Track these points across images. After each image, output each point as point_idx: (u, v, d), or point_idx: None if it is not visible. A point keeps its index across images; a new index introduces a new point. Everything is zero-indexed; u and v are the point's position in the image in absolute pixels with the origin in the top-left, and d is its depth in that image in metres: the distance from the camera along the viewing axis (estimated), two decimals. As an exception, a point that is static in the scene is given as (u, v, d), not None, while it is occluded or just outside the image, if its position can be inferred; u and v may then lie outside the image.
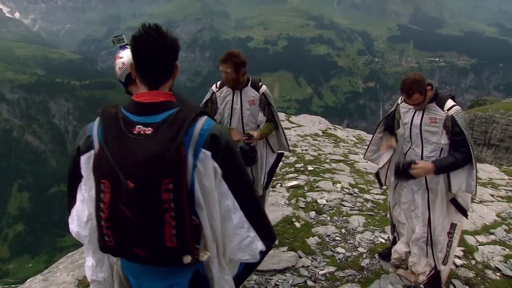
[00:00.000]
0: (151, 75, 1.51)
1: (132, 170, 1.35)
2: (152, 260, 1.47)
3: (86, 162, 1.53)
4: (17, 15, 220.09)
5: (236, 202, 1.54)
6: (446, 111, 3.01)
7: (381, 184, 3.71)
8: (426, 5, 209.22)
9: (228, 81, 3.49)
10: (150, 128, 1.41)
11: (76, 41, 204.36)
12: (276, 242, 4.24)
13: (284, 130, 3.88)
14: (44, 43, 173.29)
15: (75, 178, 1.61)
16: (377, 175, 3.68)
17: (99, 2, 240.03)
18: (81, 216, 1.61)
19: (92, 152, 1.51)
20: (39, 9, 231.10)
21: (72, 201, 1.66)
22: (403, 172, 3.07)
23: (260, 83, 3.64)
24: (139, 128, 1.41)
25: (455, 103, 3.07)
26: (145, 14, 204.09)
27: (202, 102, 3.72)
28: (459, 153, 2.98)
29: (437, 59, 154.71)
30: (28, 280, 3.84)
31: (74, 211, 1.64)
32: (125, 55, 2.83)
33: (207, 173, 1.45)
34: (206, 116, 1.52)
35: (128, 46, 2.99)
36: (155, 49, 1.46)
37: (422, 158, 3.21)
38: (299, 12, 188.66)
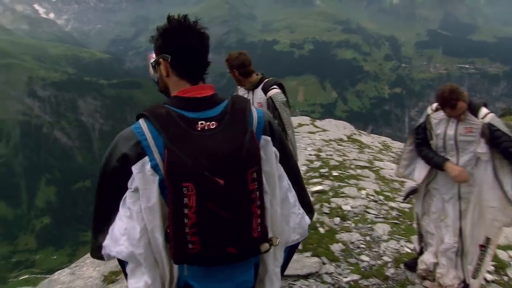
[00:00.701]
0: (196, 69, 1.49)
1: (216, 166, 1.31)
2: (238, 256, 1.40)
3: (140, 170, 1.37)
4: (51, 15, 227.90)
5: (289, 181, 1.59)
6: (481, 119, 2.92)
7: (406, 198, 3.66)
8: (458, 10, 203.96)
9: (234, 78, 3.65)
10: (213, 122, 1.37)
11: (105, 41, 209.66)
12: (300, 246, 4.23)
13: (295, 138, 3.73)
14: (75, 43, 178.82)
15: (116, 192, 1.46)
16: (413, 191, 3.57)
17: (129, 4, 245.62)
18: (132, 234, 1.43)
19: (146, 159, 1.36)
20: (72, 10, 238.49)
21: (105, 219, 1.51)
22: None
23: (272, 87, 3.55)
24: (202, 124, 1.36)
25: (488, 111, 2.98)
26: (174, 15, 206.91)
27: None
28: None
29: (467, 66, 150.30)
30: (56, 273, 3.96)
31: (118, 231, 1.47)
32: None
33: (268, 159, 1.46)
34: (254, 106, 1.53)
35: None
36: (199, 41, 1.44)
37: None
38: (326, 16, 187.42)
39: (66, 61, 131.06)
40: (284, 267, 1.72)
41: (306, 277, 3.63)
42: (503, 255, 4.36)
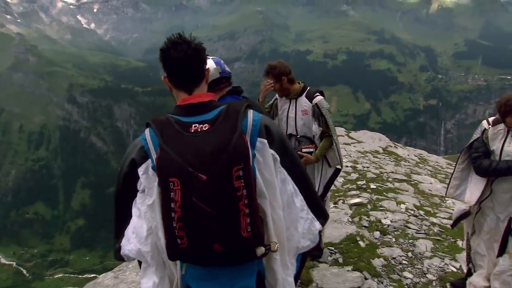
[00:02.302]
0: (185, 79, 1.57)
1: (201, 163, 1.37)
2: (228, 255, 1.44)
3: (144, 172, 1.51)
4: (92, 25, 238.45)
5: (295, 186, 1.59)
6: None
7: (455, 225, 3.49)
8: (499, 19, 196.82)
9: (277, 91, 3.63)
10: (206, 125, 1.45)
11: (142, 50, 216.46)
12: (340, 260, 4.16)
13: (339, 145, 3.77)
14: (113, 51, 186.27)
15: (128, 195, 1.58)
16: (466, 215, 3.36)
17: (165, 13, 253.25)
18: (140, 232, 1.56)
19: (149, 161, 1.50)
20: (111, 20, 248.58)
21: (122, 222, 1.62)
22: None
23: (316, 94, 3.60)
24: (195, 126, 1.45)
25: None
26: (208, 25, 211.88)
27: (267, 105, 3.86)
28: None
29: (508, 77, 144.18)
30: (101, 276, 4.08)
31: (130, 230, 1.60)
32: (208, 64, 2.92)
33: (266, 162, 1.49)
34: (251, 109, 1.55)
35: (208, 56, 3.12)
36: (182, 54, 1.51)
37: None
38: (360, 26, 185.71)
39: (104, 69, 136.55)
40: (296, 276, 1.71)
41: (348, 291, 3.56)
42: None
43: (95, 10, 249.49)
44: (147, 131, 1.54)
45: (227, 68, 2.92)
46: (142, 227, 1.54)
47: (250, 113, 1.52)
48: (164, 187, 1.41)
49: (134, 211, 1.58)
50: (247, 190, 1.38)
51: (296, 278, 1.71)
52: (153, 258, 1.56)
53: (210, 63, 3.00)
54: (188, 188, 1.37)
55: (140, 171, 1.52)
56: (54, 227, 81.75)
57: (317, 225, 1.65)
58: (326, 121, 3.56)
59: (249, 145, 1.44)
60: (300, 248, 1.64)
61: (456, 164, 3.37)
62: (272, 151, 1.51)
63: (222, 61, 2.81)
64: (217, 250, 1.41)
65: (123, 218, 1.62)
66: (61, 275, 67.54)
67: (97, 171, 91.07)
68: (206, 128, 1.44)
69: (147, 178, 1.51)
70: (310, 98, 3.60)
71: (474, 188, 3.21)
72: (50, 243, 78.42)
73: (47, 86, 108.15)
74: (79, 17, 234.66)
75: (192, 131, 1.44)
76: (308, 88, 3.68)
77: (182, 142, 1.43)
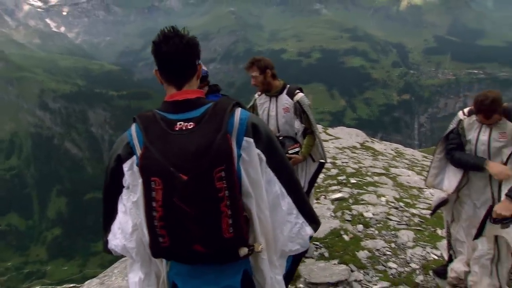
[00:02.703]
0: (175, 74, 1.54)
1: (183, 163, 1.35)
2: (210, 255, 1.43)
3: (129, 168, 1.51)
4: (62, 29, 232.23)
5: (283, 188, 1.54)
6: None
7: (434, 212, 3.58)
8: (465, 16, 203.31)
9: (258, 84, 3.58)
10: (191, 123, 1.42)
11: (115, 53, 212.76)
12: (326, 254, 4.21)
13: (322, 140, 3.82)
14: (85, 55, 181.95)
15: (114, 190, 1.58)
16: (443, 203, 3.46)
17: (137, 15, 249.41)
18: (125, 228, 1.57)
19: (134, 157, 1.49)
20: (82, 23, 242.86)
21: (110, 217, 1.62)
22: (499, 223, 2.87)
23: (297, 91, 3.62)
24: (180, 124, 1.42)
25: None
26: (181, 26, 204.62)
27: (248, 107, 3.81)
28: None
29: (476, 71, 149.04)
30: (86, 283, 3.99)
31: (116, 226, 1.60)
32: None
33: (252, 161, 1.45)
34: (240, 107, 1.52)
35: None
36: (174, 48, 1.48)
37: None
38: (333, 24, 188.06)
39: (76, 73, 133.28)
40: (288, 276, 1.68)
41: (335, 285, 3.60)
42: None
43: (64, 13, 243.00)
44: (133, 126, 1.53)
45: (204, 68, 2.92)
46: (128, 223, 1.55)
47: (238, 111, 1.49)
48: (146, 186, 1.39)
49: (120, 207, 1.58)
50: (230, 191, 1.35)
51: (288, 277, 1.69)
52: (138, 254, 1.58)
53: None
54: (169, 188, 1.35)
55: (125, 167, 1.51)
56: (29, 238, 79.16)
57: (308, 230, 1.61)
58: (308, 117, 3.58)
59: (234, 145, 1.41)
60: (287, 251, 1.61)
61: (434, 154, 3.47)
62: (258, 151, 1.47)
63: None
64: (198, 250, 1.41)
65: (111, 212, 1.62)
66: (38, 287, 65.48)
67: (73, 178, 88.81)
68: (191, 126, 1.41)
69: (132, 174, 1.50)
70: (291, 95, 3.60)
71: (452, 177, 3.31)
72: (25, 255, 75.87)
73: (17, 92, 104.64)
74: (47, 20, 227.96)
75: (177, 129, 1.42)
76: (288, 85, 3.69)
77: (166, 140, 1.41)
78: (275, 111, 3.65)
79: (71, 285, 48.89)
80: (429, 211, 5.80)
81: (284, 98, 3.63)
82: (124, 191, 1.56)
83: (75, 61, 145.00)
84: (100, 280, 3.92)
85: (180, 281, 1.55)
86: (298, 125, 3.62)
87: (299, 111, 3.58)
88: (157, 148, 1.39)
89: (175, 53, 1.49)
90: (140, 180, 1.44)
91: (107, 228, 1.65)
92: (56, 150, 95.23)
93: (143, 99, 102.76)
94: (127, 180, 1.53)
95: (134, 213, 1.53)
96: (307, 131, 3.63)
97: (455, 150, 3.22)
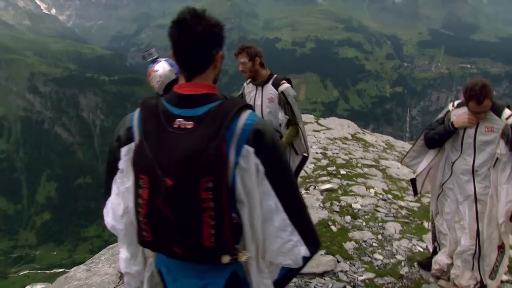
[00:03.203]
0: (186, 63, 1.44)
1: (171, 167, 1.29)
2: (190, 258, 1.42)
3: (126, 154, 1.48)
4: (53, 11, 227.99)
5: (279, 203, 1.42)
6: (505, 120, 2.92)
7: (415, 193, 3.63)
8: (460, 10, 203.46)
9: (246, 71, 3.55)
10: (191, 122, 1.34)
11: (107, 37, 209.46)
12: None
13: (306, 133, 3.78)
14: (77, 39, 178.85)
15: (113, 170, 1.56)
16: (413, 182, 3.58)
17: (130, 0, 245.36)
18: (116, 210, 1.57)
19: (132, 144, 1.45)
20: (74, 6, 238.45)
21: (108, 193, 1.63)
22: None
23: (283, 82, 3.59)
24: (180, 121, 1.35)
25: None
26: (175, 12, 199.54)
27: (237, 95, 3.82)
28: None
29: (468, 66, 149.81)
30: (72, 269, 3.97)
31: (109, 204, 1.61)
32: (161, 68, 2.88)
33: (249, 170, 1.35)
34: (250, 110, 1.41)
35: (160, 59, 3.05)
36: (186, 34, 1.37)
37: (473, 168, 3.12)
38: (328, 14, 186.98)
39: (68, 57, 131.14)
40: (280, 283, 1.59)
41: (321, 275, 3.64)
42: (515, 255, 4.37)
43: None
44: (137, 112, 1.48)
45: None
46: (119, 206, 1.56)
47: (244, 115, 1.38)
48: (136, 182, 1.39)
49: (114, 188, 1.58)
50: (215, 202, 1.29)
51: (280, 283, 1.59)
52: (126, 235, 1.59)
53: (164, 66, 2.97)
54: (155, 190, 1.32)
55: (123, 151, 1.49)
56: (18, 222, 78.67)
57: (303, 250, 1.45)
58: (292, 109, 3.55)
59: (232, 153, 1.33)
60: (277, 263, 1.53)
61: (417, 139, 3.52)
62: (257, 161, 1.36)
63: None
64: (177, 252, 1.40)
65: (110, 188, 1.62)
66: (27, 271, 65.32)
67: (63, 163, 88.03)
68: (190, 126, 1.33)
69: (127, 161, 1.47)
70: (276, 85, 3.58)
71: (425, 161, 3.37)
72: (14, 239, 75.47)
73: (6, 75, 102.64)
74: (37, 1, 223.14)
75: (175, 126, 1.35)
76: (275, 76, 3.66)
77: (161, 138, 1.35)
78: (260, 101, 3.64)
79: (60, 270, 48.90)
80: (417, 204, 5.91)
81: (269, 88, 3.61)
82: (119, 174, 1.54)
83: (67, 44, 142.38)
84: (87, 267, 3.91)
85: (165, 270, 1.56)
86: (282, 116, 3.60)
87: (283, 102, 3.55)
88: (150, 144, 1.35)
89: (187, 40, 1.38)
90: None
91: (104, 202, 1.68)
92: (46, 135, 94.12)
93: (135, 84, 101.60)
94: (122, 164, 1.51)
95: (127, 197, 1.51)
96: (291, 122, 3.61)
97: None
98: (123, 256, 1.67)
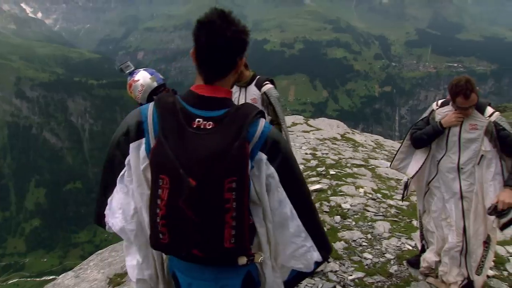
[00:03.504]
0: (207, 67, 1.41)
1: (194, 167, 1.28)
2: (208, 260, 1.42)
3: (135, 150, 1.44)
4: (39, 15, 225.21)
5: (294, 210, 1.46)
6: (487, 117, 2.97)
7: (404, 195, 3.68)
8: (446, 10, 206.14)
9: None
10: (211, 123, 1.34)
11: (95, 41, 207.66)
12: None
13: (289, 133, 3.83)
14: (64, 43, 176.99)
15: (118, 162, 1.51)
16: (406, 185, 3.61)
17: (118, 3, 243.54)
18: (126, 210, 1.51)
19: (143, 141, 1.43)
20: (60, 9, 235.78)
21: (107, 188, 1.56)
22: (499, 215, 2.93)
23: (265, 83, 3.60)
24: (199, 121, 1.34)
25: (494, 109, 3.03)
26: (163, 14, 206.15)
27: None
28: None
29: (455, 65, 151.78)
30: (60, 276, 3.93)
31: (115, 204, 1.54)
32: (141, 77, 2.93)
33: (260, 176, 1.38)
34: (263, 118, 1.44)
35: (137, 70, 3.08)
36: (215, 38, 1.33)
37: (458, 165, 3.16)
38: (316, 15, 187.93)
39: (55, 61, 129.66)
40: (290, 284, 1.64)
41: (311, 275, 3.65)
42: (501, 250, 4.43)
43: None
44: (151, 108, 1.44)
45: (161, 76, 2.97)
46: (129, 205, 1.51)
47: (262, 122, 1.41)
48: (154, 182, 1.35)
49: (121, 187, 1.52)
50: (237, 202, 1.30)
51: (289, 285, 1.64)
52: (137, 237, 1.54)
53: (144, 75, 3.00)
54: (176, 190, 1.30)
55: (132, 147, 1.45)
56: (6, 230, 77.31)
57: (316, 255, 1.52)
58: (274, 109, 3.57)
59: (249, 156, 1.33)
60: (289, 266, 1.57)
61: (403, 140, 3.54)
62: (271, 169, 1.39)
63: (155, 70, 2.94)
64: (196, 255, 1.39)
65: (110, 184, 1.56)
66: (16, 279, 64.28)
67: (52, 168, 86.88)
68: (210, 126, 1.33)
69: (136, 157, 1.44)
70: (259, 86, 3.60)
71: (414, 163, 3.40)
72: (2, 247, 74.13)
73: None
74: (23, 5, 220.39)
75: (195, 126, 1.34)
76: (258, 77, 3.68)
77: (181, 137, 1.32)
78: (243, 102, 3.65)
79: (51, 277, 48.18)
80: (406, 202, 5.96)
81: (252, 89, 3.63)
82: (127, 171, 1.49)
83: (54, 48, 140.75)
84: (76, 273, 3.87)
85: (179, 274, 1.54)
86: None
87: (266, 102, 3.58)
88: (171, 144, 1.31)
89: (215, 44, 1.34)
90: (142, 166, 1.42)
91: (103, 200, 1.59)
92: (34, 140, 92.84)
93: (124, 88, 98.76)
94: (130, 160, 1.46)
95: (137, 197, 1.48)
96: (273, 123, 3.63)
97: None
98: (133, 262, 1.60)
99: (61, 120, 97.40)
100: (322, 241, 1.55)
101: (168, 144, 1.31)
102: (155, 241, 1.40)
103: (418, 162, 3.40)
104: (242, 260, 1.39)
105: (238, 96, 3.69)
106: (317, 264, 1.56)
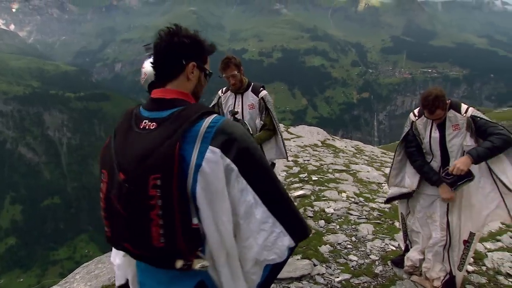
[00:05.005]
0: (156, 71, 1.54)
1: (127, 163, 1.36)
2: (145, 258, 1.44)
3: None
4: (12, 27, 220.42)
5: (257, 196, 1.44)
6: (464, 114, 3.10)
7: (388, 202, 3.79)
8: (419, 17, 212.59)
9: (236, 83, 3.61)
10: (154, 123, 1.40)
11: (71, 53, 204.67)
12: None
13: (284, 139, 3.92)
14: (39, 55, 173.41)
15: None
16: (402, 197, 3.63)
17: (94, 15, 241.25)
18: None
19: None
20: (34, 21, 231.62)
21: None
22: (453, 181, 3.04)
23: (261, 88, 3.72)
24: (145, 122, 1.42)
25: (468, 105, 3.17)
26: (140, 26, 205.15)
27: (210, 106, 3.84)
28: (492, 137, 2.97)
29: (429, 70, 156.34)
30: (46, 290, 3.83)
31: None
32: (147, 66, 2.93)
33: (215, 172, 1.35)
34: (215, 114, 1.44)
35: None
36: (160, 45, 1.49)
37: (440, 169, 3.28)
38: (293, 24, 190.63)
39: (30, 74, 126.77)
40: (264, 285, 1.59)
41: (299, 279, 3.69)
42: (480, 247, 4.58)
43: (13, 10, 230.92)
44: None
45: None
46: None
47: (209, 118, 1.40)
48: (100, 176, 1.47)
49: None
50: (163, 200, 1.30)
51: (264, 286, 1.60)
52: None
53: (150, 64, 3.01)
54: (111, 184, 1.40)
55: None
56: (-20, 250, 74.53)
57: (286, 240, 1.49)
58: (270, 114, 3.67)
59: (194, 154, 1.34)
60: (261, 260, 1.51)
61: (394, 157, 3.64)
62: (228, 161, 1.36)
63: None
64: (129, 249, 1.43)
65: None
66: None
67: (29, 184, 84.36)
68: (153, 127, 1.40)
69: None
70: (256, 92, 3.68)
71: (412, 174, 3.48)
72: (-25, 268, 71.40)
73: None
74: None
75: (141, 127, 1.42)
76: (253, 83, 3.77)
77: (126, 137, 1.44)
78: (240, 108, 3.70)
79: (29, 297, 46.50)
80: (388, 205, 6.08)
81: (250, 95, 3.69)
82: None
83: (28, 61, 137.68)
84: (61, 287, 3.80)
85: (139, 274, 1.60)
86: (258, 122, 3.71)
87: (263, 107, 3.67)
88: (117, 142, 1.45)
89: (159, 51, 1.50)
90: None
91: None
92: (9, 155, 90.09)
93: (102, 100, 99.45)
94: None
95: None
96: (265, 127, 3.71)
97: (416, 153, 3.39)
98: (116, 262, 1.78)
99: (37, 134, 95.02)
100: (293, 225, 1.52)
101: (114, 143, 1.45)
102: (105, 234, 1.50)
103: (416, 174, 3.45)
104: (179, 264, 1.37)
105: (234, 103, 3.73)
106: (290, 250, 1.53)
